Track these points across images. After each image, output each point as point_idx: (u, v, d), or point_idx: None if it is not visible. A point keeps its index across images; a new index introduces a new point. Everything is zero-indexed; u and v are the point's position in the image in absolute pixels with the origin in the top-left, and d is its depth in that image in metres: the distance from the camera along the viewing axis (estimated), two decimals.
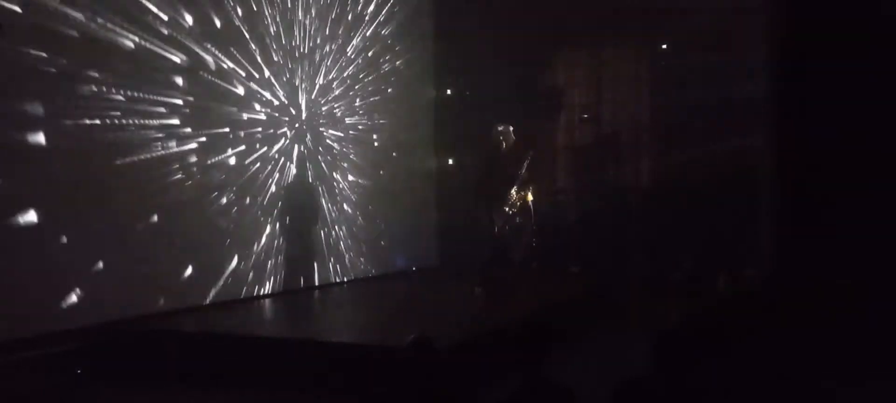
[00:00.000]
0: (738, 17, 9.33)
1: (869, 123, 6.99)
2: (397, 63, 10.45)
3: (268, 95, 8.50)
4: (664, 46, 10.31)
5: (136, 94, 6.98)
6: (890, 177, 6.93)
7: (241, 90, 8.15)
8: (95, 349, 6.42)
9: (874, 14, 7.07)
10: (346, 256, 9.71)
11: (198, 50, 7.61)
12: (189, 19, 7.51)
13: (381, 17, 10.13)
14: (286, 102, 8.76)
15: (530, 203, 8.65)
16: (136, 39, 6.97)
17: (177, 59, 7.39)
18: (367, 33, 9.94)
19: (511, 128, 8.49)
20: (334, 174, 9.56)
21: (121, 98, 6.87)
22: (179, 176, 7.44)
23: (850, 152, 7.13)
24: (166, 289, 7.38)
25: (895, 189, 6.97)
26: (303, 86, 9.01)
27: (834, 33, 7.43)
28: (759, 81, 9.05)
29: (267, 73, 8.47)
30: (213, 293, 7.80)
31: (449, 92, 11.23)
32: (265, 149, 8.49)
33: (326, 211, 9.41)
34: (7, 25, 5.92)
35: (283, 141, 8.73)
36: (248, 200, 8.24)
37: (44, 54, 6.26)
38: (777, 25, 8.53)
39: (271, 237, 8.50)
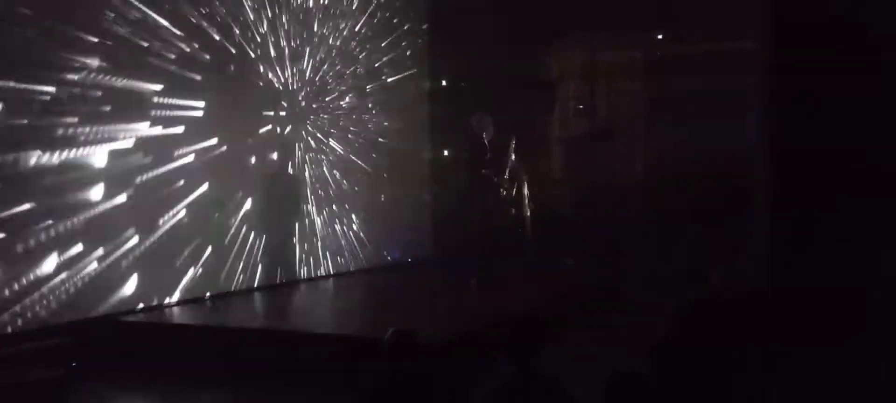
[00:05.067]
0: (737, 9, 9.31)
1: (868, 119, 7.01)
2: (392, 54, 10.44)
3: (262, 87, 8.50)
4: (660, 37, 10.29)
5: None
6: (889, 174, 6.95)
7: (234, 82, 8.15)
8: (91, 342, 6.43)
9: (875, 13, 7.08)
10: (341, 249, 9.71)
11: (189, 38, 7.61)
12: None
13: (375, 7, 10.12)
14: (279, 93, 8.77)
15: (524, 193, 8.64)
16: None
17: (166, 48, 7.40)
18: (361, 23, 9.93)
19: (488, 116, 8.47)
20: (328, 166, 9.55)
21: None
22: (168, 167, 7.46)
23: (848, 146, 7.15)
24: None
25: (893, 185, 7.00)
26: (297, 76, 9.00)
27: (835, 28, 7.44)
28: (757, 74, 9.05)
29: (260, 66, 8.47)
30: (207, 287, 7.82)
31: (444, 83, 11.21)
32: (258, 141, 8.49)
33: (320, 204, 9.41)
34: None
35: (276, 132, 8.74)
36: (239, 193, 8.24)
37: None
38: (777, 18, 8.53)
39: (263, 230, 8.48)
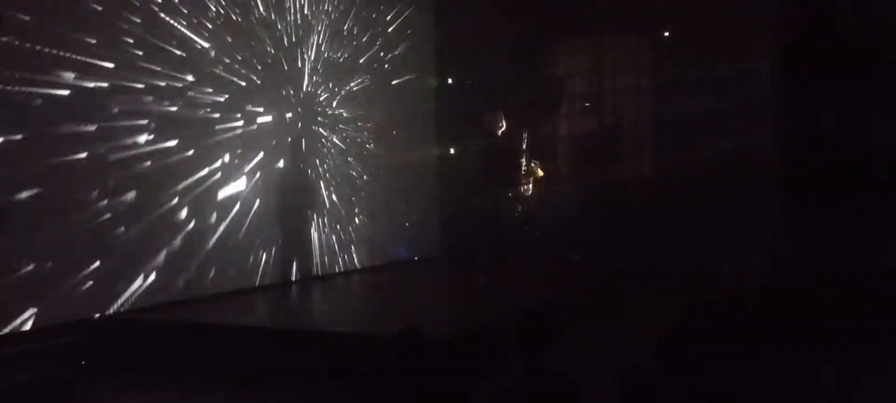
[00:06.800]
0: (744, 7, 9.27)
1: (873, 115, 7.00)
2: (398, 50, 10.43)
3: (266, 83, 8.50)
4: (667, 34, 10.25)
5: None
6: (893, 169, 6.95)
7: (237, 77, 8.15)
8: (99, 340, 6.46)
9: (879, 10, 7.06)
10: (348, 246, 9.71)
11: (190, 34, 7.60)
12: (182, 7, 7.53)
13: (381, 4, 10.11)
14: (284, 90, 8.77)
15: (535, 189, 8.64)
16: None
17: (169, 46, 7.39)
18: (367, 20, 9.92)
19: (501, 114, 8.50)
20: (334, 163, 9.55)
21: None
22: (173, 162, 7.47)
23: (854, 143, 7.14)
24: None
25: None
26: (301, 73, 9.00)
27: (839, 25, 7.43)
28: (764, 70, 9.02)
29: (264, 60, 8.47)
30: (209, 283, 7.83)
31: (450, 80, 11.20)
32: (263, 138, 8.49)
33: (327, 201, 9.40)
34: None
35: (281, 129, 8.73)
36: (244, 189, 8.24)
37: None
38: (783, 16, 8.50)
39: (268, 227, 8.48)
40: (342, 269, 9.56)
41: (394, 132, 10.35)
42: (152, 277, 7.22)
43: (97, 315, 6.72)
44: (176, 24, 7.41)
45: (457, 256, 10.31)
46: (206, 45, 7.72)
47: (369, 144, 10.03)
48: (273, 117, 8.58)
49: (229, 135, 8.01)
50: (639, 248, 9.87)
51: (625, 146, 10.68)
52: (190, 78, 7.57)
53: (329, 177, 9.44)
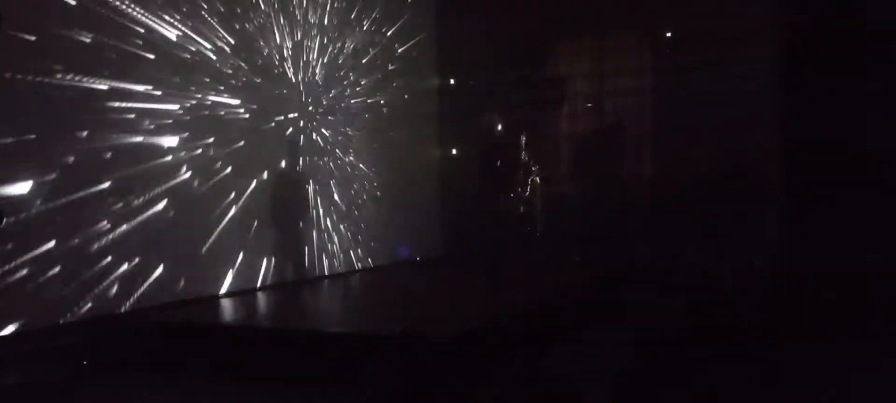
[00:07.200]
0: (744, 7, 9.28)
1: (873, 115, 7.00)
2: (400, 50, 10.43)
3: (269, 82, 8.50)
4: (667, 34, 10.26)
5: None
6: (893, 169, 6.95)
7: (239, 77, 8.14)
8: (101, 340, 6.45)
9: (879, 10, 7.06)
10: (350, 246, 9.71)
11: (191, 33, 7.60)
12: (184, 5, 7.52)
13: (383, 4, 10.12)
14: (286, 90, 8.77)
15: (535, 190, 8.67)
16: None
17: (169, 43, 7.39)
18: (370, 21, 9.92)
19: (497, 115, 8.55)
20: (337, 163, 9.55)
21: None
22: (177, 163, 7.45)
23: (854, 143, 7.14)
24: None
25: None
26: (304, 73, 9.00)
27: (840, 27, 7.43)
28: (764, 70, 9.03)
29: (266, 59, 8.46)
30: (209, 283, 7.82)
31: (452, 81, 11.20)
32: (265, 138, 8.48)
33: (329, 201, 9.41)
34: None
35: (284, 129, 8.73)
36: (245, 190, 8.23)
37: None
38: (783, 17, 8.51)
39: (270, 228, 8.48)
40: (343, 270, 9.57)
41: (396, 133, 10.36)
42: (152, 277, 7.22)
43: (96, 315, 6.71)
44: (178, 26, 7.42)
45: (458, 256, 10.32)
46: (208, 46, 7.73)
47: (374, 145, 10.06)
48: (272, 118, 8.59)
49: (228, 135, 8.01)
50: (639, 248, 9.88)
51: (625, 146, 10.70)
52: (192, 78, 7.58)
53: (331, 177, 9.44)
